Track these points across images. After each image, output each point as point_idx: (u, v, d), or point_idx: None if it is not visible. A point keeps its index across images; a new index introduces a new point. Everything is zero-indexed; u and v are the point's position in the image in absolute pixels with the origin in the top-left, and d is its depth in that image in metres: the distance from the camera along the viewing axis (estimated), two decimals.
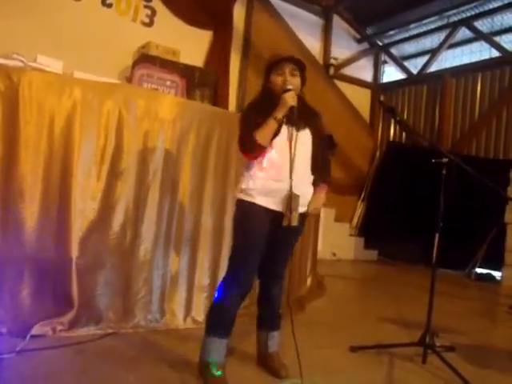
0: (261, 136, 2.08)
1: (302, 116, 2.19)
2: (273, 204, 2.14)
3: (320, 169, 2.29)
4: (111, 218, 2.73)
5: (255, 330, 2.42)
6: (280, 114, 2.10)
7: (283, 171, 2.12)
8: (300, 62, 2.22)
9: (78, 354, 2.33)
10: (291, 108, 2.09)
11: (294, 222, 2.13)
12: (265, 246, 2.20)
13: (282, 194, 2.12)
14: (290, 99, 2.10)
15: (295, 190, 2.12)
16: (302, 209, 2.19)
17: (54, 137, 2.62)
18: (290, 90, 2.13)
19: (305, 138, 2.21)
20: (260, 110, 2.16)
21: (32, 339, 2.35)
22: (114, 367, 2.20)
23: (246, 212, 2.16)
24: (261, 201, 2.14)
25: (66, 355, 2.30)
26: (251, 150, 2.12)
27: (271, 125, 2.09)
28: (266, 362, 2.33)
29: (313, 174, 2.26)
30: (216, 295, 2.23)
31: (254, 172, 2.16)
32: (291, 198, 2.11)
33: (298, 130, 2.18)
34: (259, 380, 2.22)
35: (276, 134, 2.11)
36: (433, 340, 2.66)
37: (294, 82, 2.18)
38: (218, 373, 2.09)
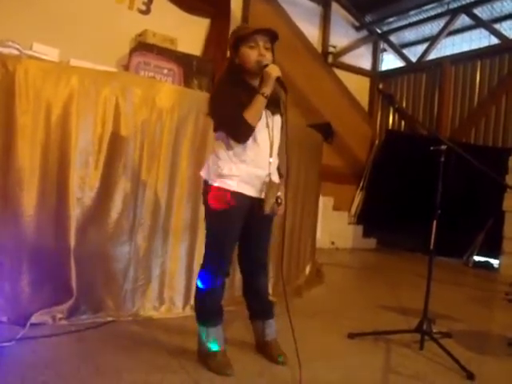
0: (252, 116, 1.97)
1: (274, 99, 2.08)
2: (252, 191, 2.10)
3: (280, 156, 2.21)
4: (109, 206, 2.73)
5: (249, 321, 2.42)
6: (268, 89, 1.98)
7: (265, 157, 2.08)
8: (274, 33, 2.05)
9: (77, 342, 2.34)
10: (278, 78, 1.98)
11: (269, 210, 2.10)
12: (242, 235, 2.17)
13: (262, 180, 2.08)
14: (274, 71, 1.97)
15: (272, 177, 2.10)
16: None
17: (51, 125, 2.60)
18: (267, 65, 1.99)
19: (278, 123, 2.16)
20: (234, 89, 2.02)
21: (32, 327, 2.36)
22: (114, 354, 2.22)
23: (226, 200, 2.06)
24: (243, 188, 2.07)
25: (66, 343, 2.32)
26: (245, 133, 1.99)
27: (260, 102, 1.98)
28: (264, 349, 2.34)
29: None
30: (200, 286, 2.19)
31: (236, 158, 2.06)
32: (271, 186, 2.08)
33: (272, 114, 2.11)
34: (259, 367, 2.23)
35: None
36: (430, 326, 2.68)
37: (268, 56, 2.03)
38: (222, 359, 2.12)
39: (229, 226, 2.13)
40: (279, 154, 2.21)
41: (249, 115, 1.97)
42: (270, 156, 2.09)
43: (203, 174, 2.17)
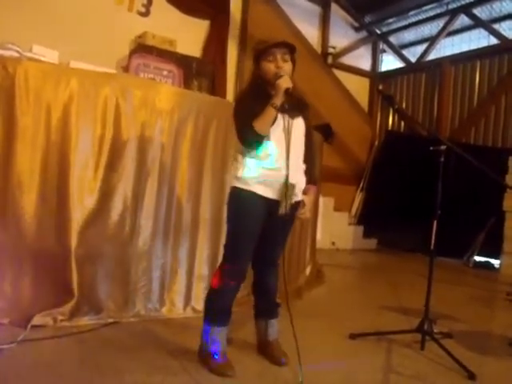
0: (260, 125, 2.06)
1: (295, 103, 2.18)
2: (269, 192, 2.14)
3: (309, 161, 2.31)
4: (110, 208, 2.73)
5: (254, 319, 2.43)
6: (278, 100, 2.06)
7: (280, 160, 2.12)
8: (291, 46, 2.16)
9: (78, 344, 2.34)
10: (287, 90, 2.06)
11: (285, 211, 2.13)
12: (259, 234, 2.20)
13: (279, 182, 2.12)
14: (284, 83, 2.06)
15: (291, 179, 2.13)
16: (295, 198, 2.20)
17: (51, 127, 2.61)
18: (282, 76, 2.09)
19: (298, 126, 2.21)
20: (254, 99, 2.12)
21: (33, 329, 2.36)
22: (115, 356, 2.22)
23: (243, 201, 2.15)
24: (258, 189, 2.13)
25: (67, 345, 2.32)
26: (253, 141, 2.09)
27: (270, 113, 2.06)
28: (266, 350, 2.35)
29: (304, 162, 2.28)
30: (214, 285, 2.23)
31: (251, 160, 2.14)
32: (287, 187, 2.11)
33: (292, 117, 2.17)
34: (260, 368, 2.23)
35: (273, 122, 2.10)
36: (431, 327, 2.68)
37: (286, 68, 2.13)
38: (223, 361, 2.12)
39: (246, 228, 2.17)
40: (309, 159, 2.30)
41: (257, 124, 2.06)
42: (287, 158, 2.12)
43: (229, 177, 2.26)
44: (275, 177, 2.12)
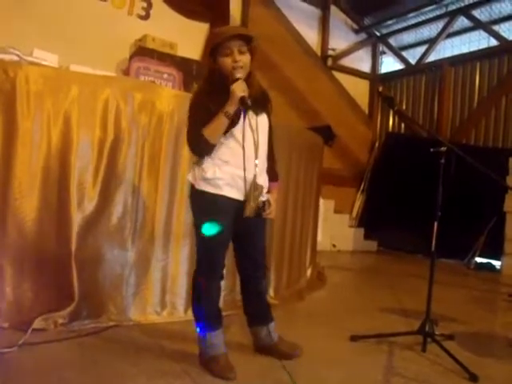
0: (209, 134, 1.98)
1: (258, 98, 2.08)
2: (238, 194, 2.08)
3: (271, 158, 2.24)
4: (110, 211, 2.73)
5: (249, 327, 2.40)
6: (231, 108, 1.96)
7: (249, 160, 2.04)
8: (247, 37, 2.04)
9: (79, 348, 2.34)
10: (242, 98, 1.96)
11: (252, 213, 2.07)
12: (236, 238, 2.18)
13: (247, 183, 2.05)
14: (239, 90, 1.96)
15: (258, 179, 2.08)
16: (262, 198, 2.14)
17: (52, 130, 2.61)
18: (238, 79, 1.99)
19: (263, 123, 2.14)
20: (211, 96, 2.02)
21: (33, 333, 2.36)
22: (116, 360, 2.21)
23: (215, 206, 2.06)
24: (227, 191, 2.06)
25: (68, 348, 2.32)
26: (202, 149, 2.02)
27: (221, 121, 1.97)
28: (274, 350, 2.32)
29: (267, 159, 2.21)
30: (196, 291, 2.19)
31: (219, 160, 2.05)
32: (255, 188, 2.06)
33: (256, 114, 2.10)
34: (260, 369, 2.23)
35: (235, 122, 2.01)
36: (432, 328, 2.67)
37: (244, 60, 2.03)
38: (225, 363, 2.12)
39: (221, 234, 2.09)
40: (271, 156, 2.24)
41: (208, 133, 1.98)
42: (256, 157, 2.08)
43: (190, 178, 2.17)
44: (244, 177, 2.04)
